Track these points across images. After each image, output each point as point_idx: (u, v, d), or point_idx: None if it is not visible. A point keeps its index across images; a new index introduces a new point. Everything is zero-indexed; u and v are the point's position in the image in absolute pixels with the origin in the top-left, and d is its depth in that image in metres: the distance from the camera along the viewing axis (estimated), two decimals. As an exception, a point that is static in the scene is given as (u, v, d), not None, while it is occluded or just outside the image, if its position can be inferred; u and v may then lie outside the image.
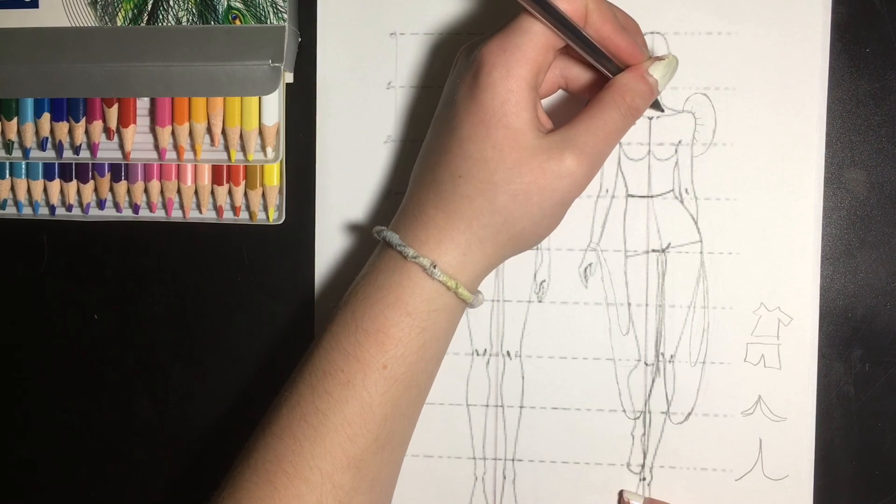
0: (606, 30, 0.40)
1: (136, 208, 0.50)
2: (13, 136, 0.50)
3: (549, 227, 0.42)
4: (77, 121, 0.49)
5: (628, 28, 0.42)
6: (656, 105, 0.45)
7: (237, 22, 0.48)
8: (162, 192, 0.50)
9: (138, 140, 0.49)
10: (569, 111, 0.46)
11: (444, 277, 0.40)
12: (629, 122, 0.41)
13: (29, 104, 0.50)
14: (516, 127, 0.39)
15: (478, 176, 0.40)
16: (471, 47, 0.42)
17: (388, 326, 0.40)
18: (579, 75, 0.43)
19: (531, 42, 0.39)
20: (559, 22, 0.39)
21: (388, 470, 0.42)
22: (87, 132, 0.50)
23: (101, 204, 0.51)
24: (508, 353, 0.48)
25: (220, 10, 0.48)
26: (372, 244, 0.49)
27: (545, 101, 0.45)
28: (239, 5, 0.48)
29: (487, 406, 0.49)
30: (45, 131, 0.50)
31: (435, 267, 0.40)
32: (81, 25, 0.48)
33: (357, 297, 0.42)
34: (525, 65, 0.39)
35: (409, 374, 0.41)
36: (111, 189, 0.50)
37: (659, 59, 0.42)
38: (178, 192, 0.50)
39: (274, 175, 0.49)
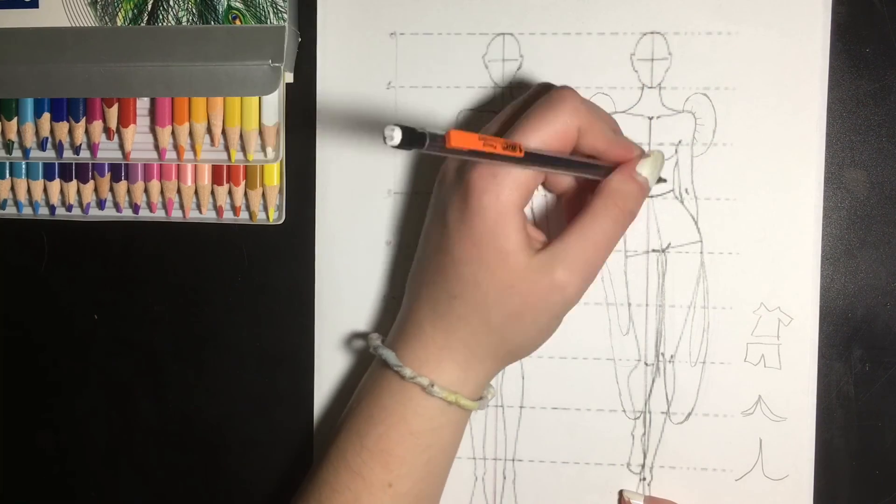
0: (601, 146, 0.40)
1: (136, 208, 0.50)
2: (13, 136, 0.50)
3: (545, 338, 0.42)
4: (77, 121, 0.49)
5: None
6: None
7: (237, 22, 0.48)
8: (162, 192, 0.50)
9: (138, 140, 0.49)
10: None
11: (444, 393, 0.41)
12: (623, 227, 0.41)
13: (29, 104, 0.50)
14: (507, 249, 0.39)
15: (472, 297, 0.40)
16: (458, 168, 0.41)
17: (392, 446, 0.41)
18: (561, 181, 0.44)
19: (520, 169, 0.39)
20: (545, 166, 0.39)
21: None
22: (87, 132, 0.50)
23: (101, 204, 0.51)
24: (508, 353, 0.48)
25: (220, 10, 0.48)
26: (371, 249, 0.49)
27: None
28: (239, 5, 0.48)
29: (487, 406, 0.49)
30: (45, 131, 0.50)
31: (433, 385, 0.40)
32: (81, 25, 0.48)
33: (361, 416, 0.42)
34: (515, 189, 0.39)
35: (416, 489, 0.41)
36: (111, 189, 0.50)
37: (645, 156, 0.42)
38: (178, 192, 0.50)
39: (274, 175, 0.49)
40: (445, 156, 0.38)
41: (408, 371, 0.41)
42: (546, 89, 0.42)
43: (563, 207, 0.46)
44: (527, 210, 0.44)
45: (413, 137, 0.31)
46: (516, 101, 0.43)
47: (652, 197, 0.47)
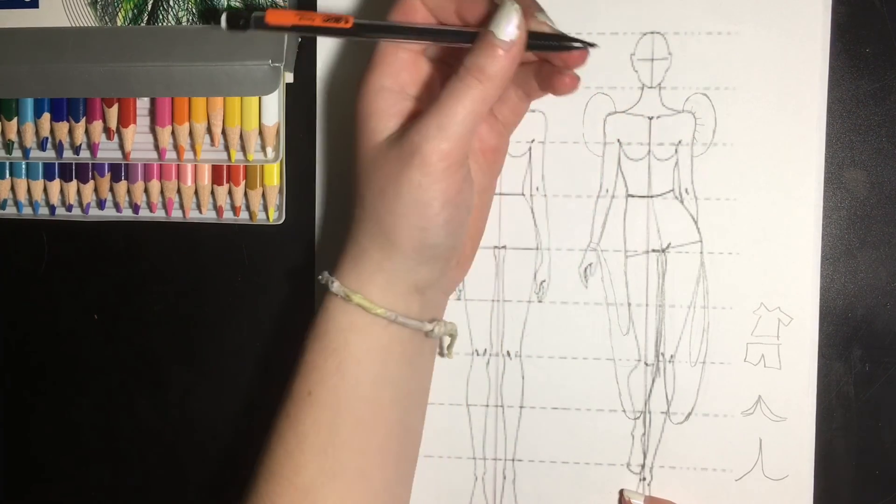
0: (451, 2, 0.39)
1: (136, 208, 0.50)
2: (13, 136, 0.50)
3: (423, 220, 0.39)
4: (77, 121, 0.49)
5: None
6: (576, 42, 0.39)
7: (237, 22, 0.48)
8: (162, 192, 0.50)
9: (138, 140, 0.49)
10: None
11: (339, 289, 0.41)
12: (477, 86, 0.37)
13: (29, 104, 0.50)
14: (373, 127, 0.40)
15: (357, 187, 0.41)
16: None
17: (306, 352, 0.42)
18: (534, 87, 0.42)
19: (379, 51, 0.41)
20: (381, 34, 0.40)
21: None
22: (87, 132, 0.50)
23: (101, 204, 0.51)
24: (508, 353, 0.48)
25: (220, 10, 0.48)
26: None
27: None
28: (239, 5, 0.48)
29: (487, 406, 0.49)
30: (45, 131, 0.50)
31: (333, 283, 0.41)
32: (81, 25, 0.48)
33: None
34: (375, 68, 0.40)
35: (333, 399, 0.41)
36: (111, 189, 0.50)
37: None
38: (178, 192, 0.50)
39: (274, 175, 0.49)
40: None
41: (323, 276, 0.42)
42: None
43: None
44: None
45: (238, 19, 0.36)
46: None
47: (652, 197, 0.47)
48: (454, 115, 0.38)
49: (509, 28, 0.37)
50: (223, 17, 0.37)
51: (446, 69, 0.42)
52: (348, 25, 0.38)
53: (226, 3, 0.48)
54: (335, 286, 0.41)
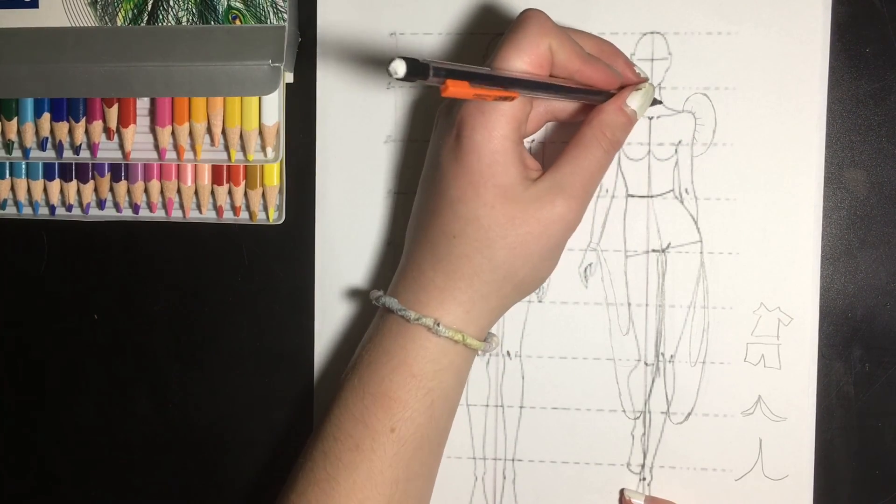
0: (575, 65, 0.40)
1: (136, 208, 0.50)
2: (13, 136, 0.50)
3: (549, 268, 0.42)
4: (77, 121, 0.49)
5: (603, 53, 0.42)
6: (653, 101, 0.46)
7: (237, 22, 0.48)
8: (162, 192, 0.50)
9: (138, 140, 0.49)
10: (559, 131, 0.46)
11: (450, 332, 0.40)
12: (612, 155, 0.42)
13: (29, 104, 0.50)
14: (505, 184, 0.39)
15: (473, 235, 0.40)
16: (449, 107, 0.42)
17: (394, 390, 0.41)
18: (564, 107, 0.43)
19: (511, 104, 0.39)
20: (525, 90, 0.38)
21: None
22: (87, 132, 0.50)
23: (101, 204, 0.51)
24: (508, 352, 0.48)
25: (220, 10, 0.48)
26: (371, 249, 0.49)
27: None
28: (239, 5, 0.48)
29: (487, 406, 0.49)
30: (45, 131, 0.50)
31: (439, 325, 0.40)
32: (81, 25, 0.48)
33: (363, 363, 0.42)
34: (506, 123, 0.39)
35: (419, 435, 0.41)
36: (111, 189, 0.50)
37: (636, 88, 0.42)
38: (178, 192, 0.50)
39: (274, 175, 0.49)
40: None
41: (412, 314, 0.40)
42: None
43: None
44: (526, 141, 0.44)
45: (417, 68, 0.32)
46: None
47: (652, 197, 0.47)
48: (591, 188, 0.41)
49: (644, 107, 0.42)
50: (400, 64, 0.31)
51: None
52: (514, 97, 0.38)
53: (225, 4, 0.48)
54: (445, 330, 0.40)
